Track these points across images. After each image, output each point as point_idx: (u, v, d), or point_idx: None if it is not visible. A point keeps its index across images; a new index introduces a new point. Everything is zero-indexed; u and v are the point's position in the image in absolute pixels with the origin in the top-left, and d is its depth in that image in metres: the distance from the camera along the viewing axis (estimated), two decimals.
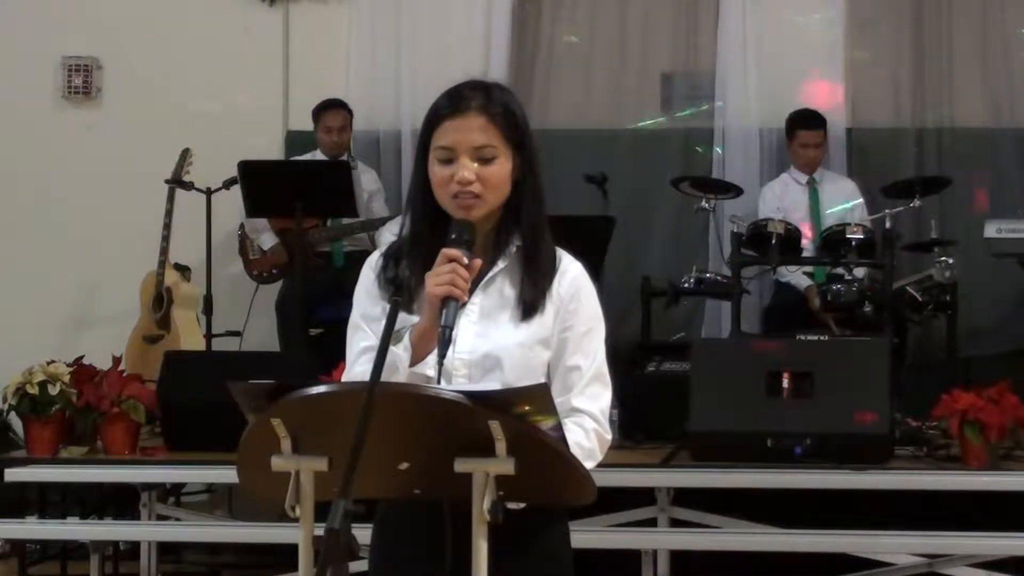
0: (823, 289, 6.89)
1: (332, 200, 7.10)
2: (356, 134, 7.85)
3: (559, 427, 2.35)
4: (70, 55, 8.17)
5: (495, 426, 2.24)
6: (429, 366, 2.52)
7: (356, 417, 2.18)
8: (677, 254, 7.76)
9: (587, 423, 2.58)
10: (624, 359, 6.69)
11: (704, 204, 7.22)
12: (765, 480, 5.63)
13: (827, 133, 7.59)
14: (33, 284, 7.99)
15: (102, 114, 8.19)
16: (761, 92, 7.88)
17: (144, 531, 6.01)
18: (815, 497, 5.68)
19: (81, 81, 8.18)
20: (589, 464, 2.50)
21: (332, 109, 7.61)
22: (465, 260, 2.52)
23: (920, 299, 6.83)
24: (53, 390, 6.07)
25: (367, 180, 7.71)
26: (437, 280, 2.51)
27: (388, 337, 2.40)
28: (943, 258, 6.76)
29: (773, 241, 6.86)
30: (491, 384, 2.51)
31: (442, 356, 2.47)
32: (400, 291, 2.55)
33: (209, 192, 7.33)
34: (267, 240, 7.51)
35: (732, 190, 7.38)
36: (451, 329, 2.47)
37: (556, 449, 2.33)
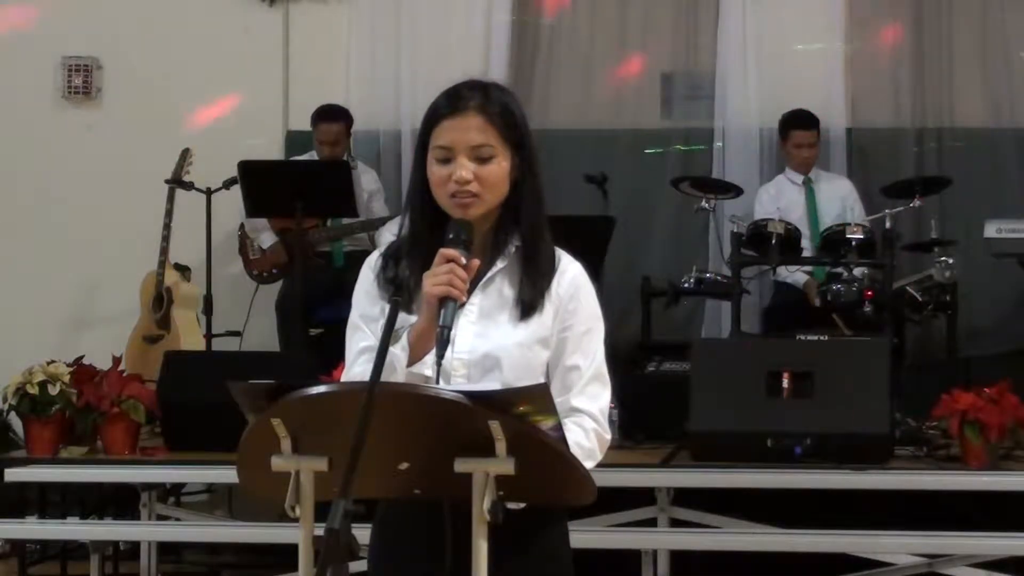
0: (823, 289, 6.89)
1: (332, 200, 7.10)
2: (356, 134, 7.85)
3: (559, 427, 2.35)
4: (70, 55, 8.17)
5: (495, 426, 2.24)
6: (427, 366, 2.52)
7: (356, 417, 2.18)
8: (677, 254, 7.76)
9: (587, 423, 2.59)
10: (624, 359, 6.69)
11: (704, 204, 7.22)
12: (765, 480, 5.63)
13: (820, 133, 7.59)
14: (33, 284, 7.99)
15: (102, 114, 8.19)
16: (761, 92, 7.88)
17: (144, 531, 6.01)
18: (815, 497, 5.68)
19: (81, 81, 8.17)
20: (589, 464, 2.50)
21: (325, 122, 7.55)
22: (463, 260, 2.52)
23: (920, 299, 6.83)
24: (53, 390, 6.07)
25: (367, 180, 7.71)
26: (435, 280, 2.51)
27: (388, 337, 2.40)
28: (943, 258, 6.76)
29: (773, 241, 6.85)
30: (490, 384, 2.51)
31: (440, 356, 2.47)
32: (400, 291, 2.55)
33: (209, 192, 7.33)
34: (266, 239, 7.51)
35: (732, 190, 7.38)
36: (449, 329, 2.47)
37: (556, 449, 2.33)
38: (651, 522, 5.68)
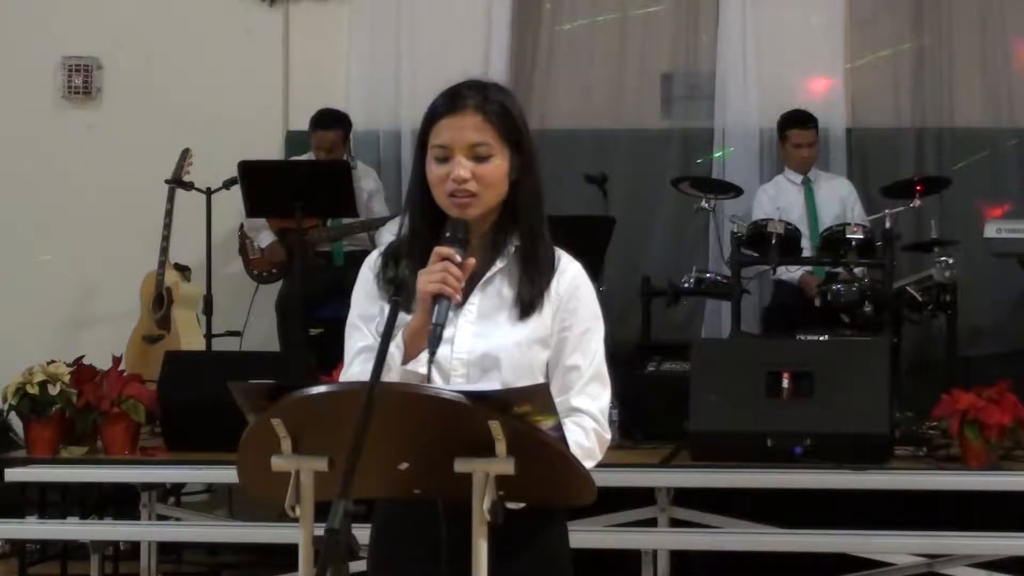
0: (823, 289, 6.89)
1: (332, 200, 7.09)
2: (356, 134, 7.85)
3: (559, 427, 2.35)
4: (70, 55, 8.17)
5: (495, 426, 2.24)
6: (421, 364, 2.51)
7: (356, 417, 2.18)
8: (677, 254, 7.77)
9: (586, 423, 2.58)
10: (624, 359, 6.69)
11: (704, 204, 7.22)
12: (765, 480, 5.63)
13: (820, 133, 7.59)
14: (33, 284, 7.99)
15: (102, 114, 8.19)
16: (761, 92, 7.88)
17: (144, 531, 6.00)
18: (815, 497, 5.68)
19: (81, 81, 8.17)
20: (589, 464, 2.50)
21: (321, 130, 7.53)
22: (458, 258, 2.52)
23: (920, 299, 6.83)
24: (53, 390, 6.07)
25: (367, 180, 7.70)
26: (429, 278, 2.51)
27: (388, 337, 2.40)
28: (943, 258, 6.76)
29: (773, 241, 6.85)
30: (490, 384, 2.51)
31: (432, 354, 2.47)
32: (400, 291, 2.55)
33: (209, 192, 7.33)
34: (265, 238, 7.51)
35: (732, 190, 7.38)
36: (442, 327, 2.47)
37: (556, 449, 2.33)
38: (651, 522, 5.68)
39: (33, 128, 8.13)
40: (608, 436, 2.62)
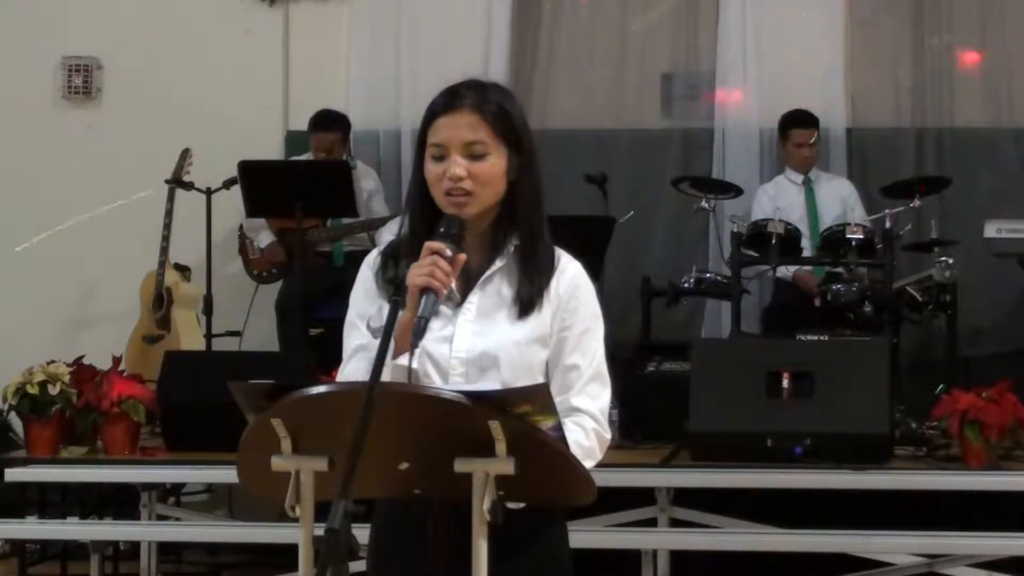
0: (823, 289, 6.89)
1: (332, 200, 7.09)
2: (356, 134, 7.84)
3: (559, 427, 2.35)
4: (70, 55, 8.16)
5: (495, 426, 2.24)
6: (412, 358, 2.51)
7: (356, 417, 2.18)
8: (677, 254, 7.77)
9: (586, 422, 2.58)
10: (624, 359, 6.69)
11: (704, 204, 7.22)
12: (765, 480, 5.62)
13: (820, 132, 7.59)
14: (33, 284, 7.99)
15: (102, 114, 8.19)
16: (761, 92, 7.88)
17: (144, 531, 6.01)
18: (815, 497, 5.68)
19: (81, 81, 8.17)
20: (588, 463, 2.50)
21: (319, 132, 7.51)
22: (448, 252, 2.52)
23: (920, 299, 6.82)
24: (53, 390, 6.07)
25: (367, 180, 7.70)
26: (417, 271, 2.51)
27: (388, 338, 2.40)
28: (943, 258, 6.76)
29: (773, 241, 6.85)
30: (489, 383, 2.51)
31: (414, 346, 2.46)
32: (399, 290, 2.55)
33: (209, 192, 7.33)
34: (264, 238, 7.50)
35: (732, 190, 7.38)
36: (427, 320, 2.47)
37: (556, 449, 2.33)
38: (651, 522, 5.68)
39: (33, 128, 8.12)
40: (608, 436, 2.62)
